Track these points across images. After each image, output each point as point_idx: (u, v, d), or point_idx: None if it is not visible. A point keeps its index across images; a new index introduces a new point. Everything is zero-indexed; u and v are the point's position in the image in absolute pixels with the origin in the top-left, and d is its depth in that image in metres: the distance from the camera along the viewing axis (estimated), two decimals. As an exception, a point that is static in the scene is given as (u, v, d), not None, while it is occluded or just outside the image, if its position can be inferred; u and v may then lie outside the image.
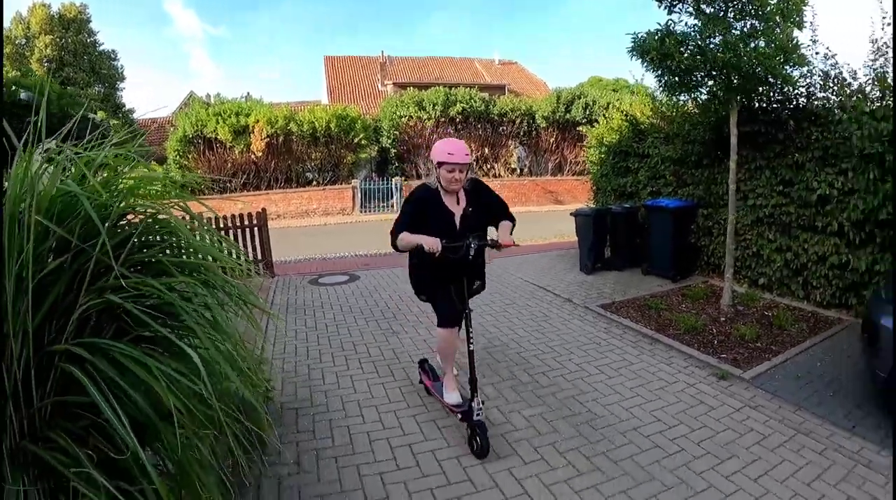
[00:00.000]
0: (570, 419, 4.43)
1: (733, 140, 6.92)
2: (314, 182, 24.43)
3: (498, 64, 40.66)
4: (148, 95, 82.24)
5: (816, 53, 7.03)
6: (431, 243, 3.79)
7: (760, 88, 7.05)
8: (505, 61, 41.37)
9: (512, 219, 4.46)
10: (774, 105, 7.56)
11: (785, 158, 7.41)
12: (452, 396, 4.38)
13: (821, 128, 7.04)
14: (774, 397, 4.80)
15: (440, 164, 4.10)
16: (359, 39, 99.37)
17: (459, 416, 4.18)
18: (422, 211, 4.13)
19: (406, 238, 3.98)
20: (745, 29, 6.44)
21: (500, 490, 3.50)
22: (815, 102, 7.28)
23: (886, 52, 6.57)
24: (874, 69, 6.69)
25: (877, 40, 6.61)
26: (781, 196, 7.47)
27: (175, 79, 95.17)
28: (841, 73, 7.01)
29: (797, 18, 6.55)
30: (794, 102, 7.46)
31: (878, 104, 6.40)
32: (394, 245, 4.09)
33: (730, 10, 6.47)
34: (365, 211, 23.57)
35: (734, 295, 7.39)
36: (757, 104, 7.52)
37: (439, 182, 4.18)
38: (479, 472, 3.69)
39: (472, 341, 4.14)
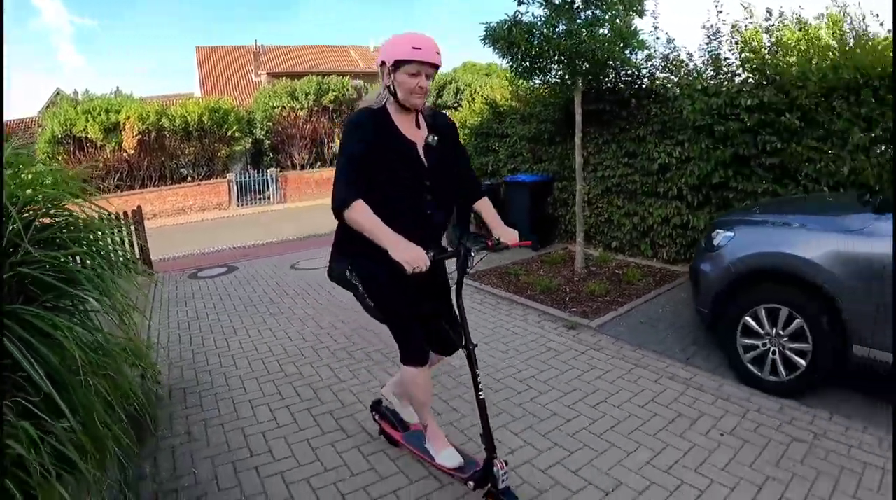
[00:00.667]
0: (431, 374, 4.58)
1: (578, 118, 7.42)
2: (189, 178, 23.53)
3: (373, 51, 39.65)
4: (20, 93, 76.60)
5: (657, 38, 7.70)
6: (412, 258, 2.45)
7: (609, 71, 7.59)
8: (380, 48, 40.62)
9: (483, 191, 3.27)
10: (621, 85, 8.09)
11: (629, 132, 7.98)
12: (449, 455, 3.17)
13: (660, 104, 7.64)
14: (618, 340, 5.27)
15: (398, 65, 2.69)
16: (233, 28, 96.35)
17: (471, 483, 2.97)
18: (371, 143, 2.71)
19: (362, 218, 2.58)
20: (588, 17, 6.85)
21: (367, 434, 3.83)
22: (657, 82, 7.84)
23: (720, 37, 7.14)
24: (708, 51, 7.22)
25: (711, 26, 7.18)
26: (627, 167, 8.04)
27: (43, 75, 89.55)
28: (679, 55, 7.59)
29: (639, 7, 7.06)
30: (638, 83, 8.03)
31: (711, 83, 6.96)
32: (336, 209, 2.65)
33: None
34: (242, 204, 23.01)
35: (589, 258, 7.95)
36: (603, 85, 8.06)
37: (391, 94, 2.79)
38: (349, 422, 3.99)
39: (480, 386, 2.91)
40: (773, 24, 7.02)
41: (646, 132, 7.70)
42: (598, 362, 4.75)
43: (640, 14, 7.10)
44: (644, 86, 7.97)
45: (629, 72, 7.89)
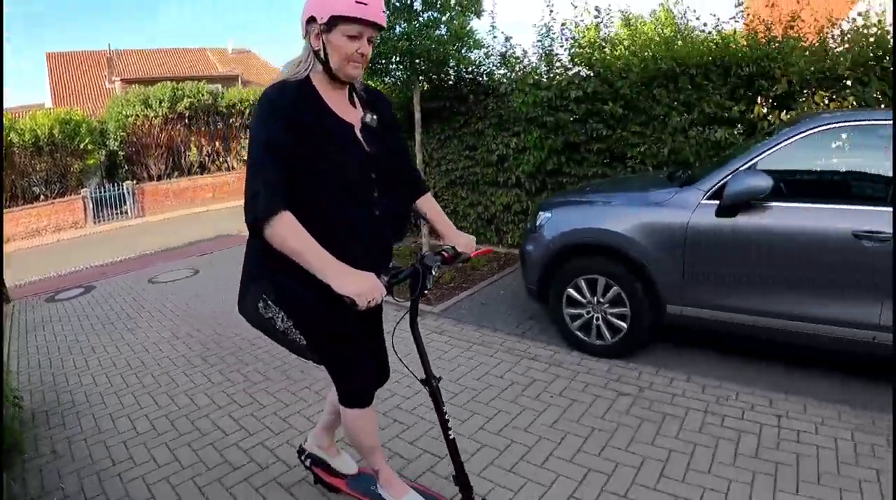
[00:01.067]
0: (280, 370, 4.78)
1: (417, 116, 7.66)
2: (42, 196, 21.59)
3: (231, 53, 38.47)
4: None
5: (494, 37, 8.09)
6: (365, 289, 1.89)
7: (448, 69, 7.89)
8: (238, 50, 39.24)
9: (426, 187, 2.72)
10: (461, 83, 8.40)
11: (468, 127, 8.31)
12: None
13: (496, 99, 7.96)
14: (459, 322, 5.48)
15: (334, 22, 2.01)
16: (87, 31, 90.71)
17: None
18: (297, 126, 2.02)
19: (290, 237, 1.92)
20: (427, 19, 7.07)
21: (221, 431, 3.90)
22: (495, 79, 8.14)
23: (552, 35, 7.54)
24: (541, 48, 7.58)
25: (544, 25, 7.54)
26: (469, 160, 8.38)
27: None
28: (514, 52, 7.90)
29: (476, 8, 7.30)
30: (477, 80, 8.33)
31: (544, 77, 7.34)
32: (253, 223, 1.94)
33: (416, 1, 7.05)
34: (99, 221, 21.39)
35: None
36: (445, 83, 8.36)
37: (320, 61, 2.10)
38: (204, 422, 4.03)
39: (450, 424, 2.41)
40: (601, 21, 7.51)
41: (484, 126, 8.04)
42: (439, 344, 4.94)
43: (478, 14, 7.39)
44: (482, 82, 8.25)
45: (468, 69, 8.15)
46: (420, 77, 7.37)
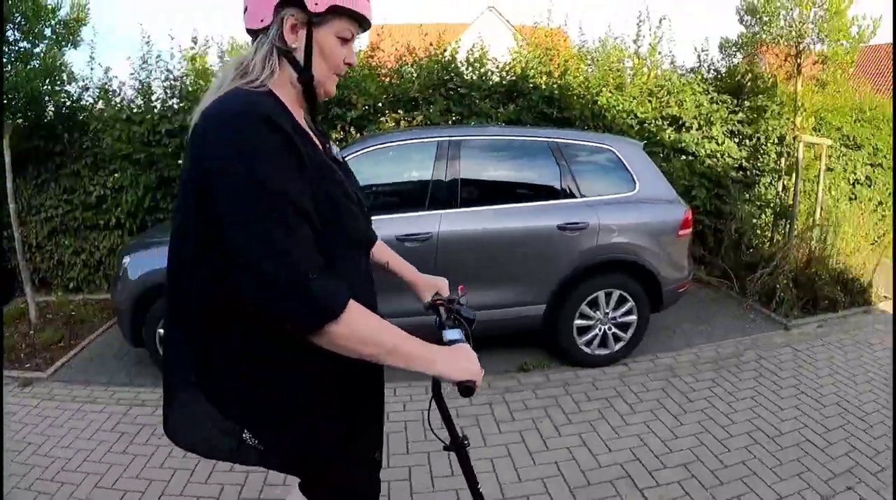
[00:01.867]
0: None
1: (7, 159, 6.98)
2: None
3: None
4: None
5: (92, 69, 7.91)
6: (478, 368, 1.51)
7: (46, 106, 7.53)
8: None
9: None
10: (58, 120, 7.80)
11: (65, 168, 7.73)
12: None
13: (91, 136, 7.55)
14: (69, 383, 5.21)
15: (328, 16, 1.44)
16: None
17: None
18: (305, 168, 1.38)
19: (375, 331, 1.40)
20: (19, 51, 6.78)
21: None
22: (94, 114, 7.73)
23: (149, 67, 7.69)
24: (139, 80, 7.67)
25: (139, 57, 7.65)
26: (67, 204, 7.76)
27: None
28: (111, 85, 7.80)
29: (73, 38, 7.19)
30: (73, 117, 7.83)
31: (138, 110, 7.40)
32: (314, 325, 1.31)
33: (10, 31, 6.68)
34: None
35: (48, 306, 7.41)
36: (43, 120, 7.70)
37: (297, 66, 1.47)
38: None
39: (480, 488, 1.97)
40: (198, 52, 7.92)
41: (80, 166, 7.60)
42: (49, 411, 4.67)
43: (75, 45, 7.22)
44: (78, 119, 7.77)
45: (66, 105, 7.73)
46: (18, 115, 6.93)
